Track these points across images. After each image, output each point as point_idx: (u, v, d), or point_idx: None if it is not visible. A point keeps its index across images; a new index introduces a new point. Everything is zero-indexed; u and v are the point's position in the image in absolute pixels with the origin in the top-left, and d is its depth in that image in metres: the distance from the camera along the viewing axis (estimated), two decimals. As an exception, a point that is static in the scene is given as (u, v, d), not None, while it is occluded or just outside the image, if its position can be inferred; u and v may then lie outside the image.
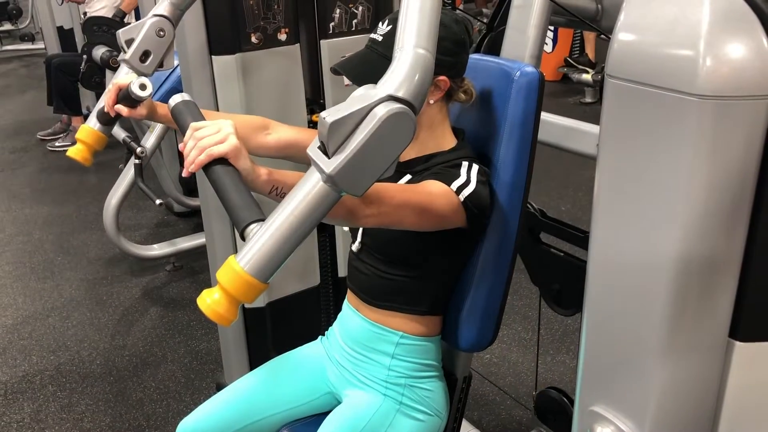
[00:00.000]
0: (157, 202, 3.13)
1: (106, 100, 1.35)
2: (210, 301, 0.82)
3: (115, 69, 3.55)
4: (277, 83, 1.81)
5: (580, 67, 5.73)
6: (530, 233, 1.64)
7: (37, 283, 3.37)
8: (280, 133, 1.45)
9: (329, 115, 0.77)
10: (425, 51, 0.81)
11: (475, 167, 1.30)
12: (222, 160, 0.95)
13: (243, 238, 0.86)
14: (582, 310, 0.95)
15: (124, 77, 1.35)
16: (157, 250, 3.40)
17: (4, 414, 2.46)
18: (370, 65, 1.29)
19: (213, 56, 1.75)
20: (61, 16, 5.51)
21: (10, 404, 2.51)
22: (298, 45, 1.84)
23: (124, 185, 3.21)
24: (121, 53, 1.44)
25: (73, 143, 1.53)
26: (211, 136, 0.97)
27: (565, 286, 1.53)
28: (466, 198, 1.24)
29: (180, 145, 1.02)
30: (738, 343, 0.84)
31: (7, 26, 9.21)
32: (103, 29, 3.72)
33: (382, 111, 0.77)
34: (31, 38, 8.65)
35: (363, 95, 0.79)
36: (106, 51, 3.57)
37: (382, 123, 0.76)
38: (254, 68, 1.76)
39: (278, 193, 1.00)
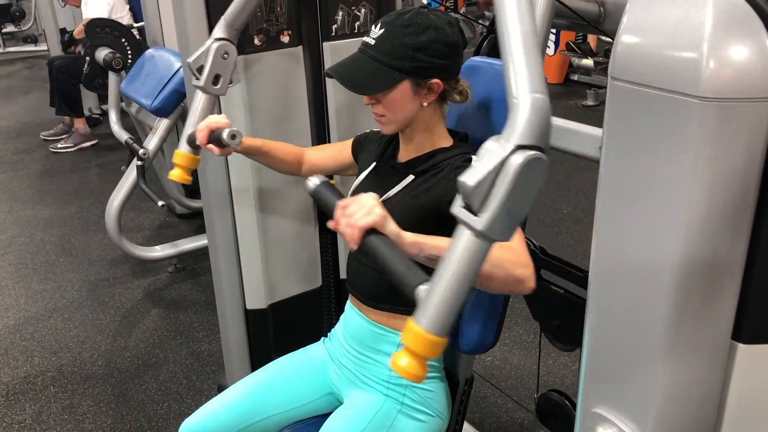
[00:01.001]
0: (159, 203, 3.13)
1: (198, 137, 1.50)
2: (405, 365, 0.89)
3: (117, 71, 3.56)
4: (279, 85, 1.82)
5: (581, 52, 5.76)
6: None
7: (39, 284, 3.37)
8: (311, 164, 1.65)
9: (469, 178, 0.81)
10: (540, 94, 0.83)
11: None
12: (373, 230, 1.05)
13: (414, 301, 0.94)
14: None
15: (216, 119, 1.50)
16: (159, 251, 3.41)
17: (6, 415, 2.46)
18: (362, 70, 1.29)
19: (216, 58, 1.75)
20: (64, 18, 5.53)
21: (11, 405, 2.51)
22: (300, 47, 1.84)
23: (126, 187, 3.21)
24: (194, 80, 1.60)
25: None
26: (359, 211, 1.05)
27: (565, 322, 1.55)
28: None
29: (330, 223, 1.11)
30: (741, 345, 0.84)
31: (11, 28, 9.23)
32: (106, 31, 3.72)
33: (516, 161, 0.80)
34: (34, 40, 8.67)
35: (493, 150, 0.82)
36: (108, 53, 3.58)
37: (519, 173, 0.79)
38: (257, 70, 1.77)
39: (421, 252, 1.09)
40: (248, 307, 1.99)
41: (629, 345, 0.88)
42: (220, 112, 1.79)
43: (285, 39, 1.80)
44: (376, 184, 1.43)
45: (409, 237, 1.09)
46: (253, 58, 1.76)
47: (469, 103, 1.39)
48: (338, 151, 1.63)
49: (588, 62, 5.77)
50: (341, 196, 1.14)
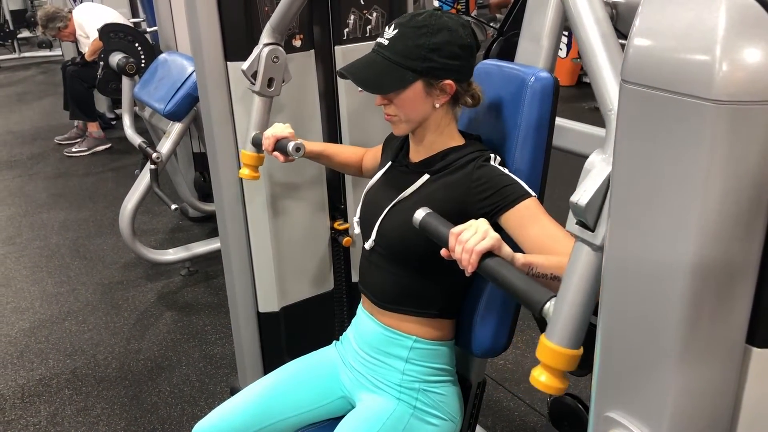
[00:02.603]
0: (173, 207, 3.15)
1: (265, 144, 1.63)
2: (545, 380, 0.94)
3: (131, 75, 3.59)
4: (292, 89, 1.83)
5: None
6: None
7: (53, 287, 3.40)
8: (364, 166, 1.71)
9: (580, 198, 0.85)
10: None
11: (498, 159, 1.34)
12: (488, 254, 1.07)
13: (543, 317, 0.96)
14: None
15: (281, 129, 1.63)
16: (172, 254, 3.42)
17: (21, 417, 2.48)
18: (376, 70, 1.30)
19: (228, 62, 1.76)
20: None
21: (27, 407, 2.53)
22: (312, 51, 1.85)
23: (139, 190, 3.23)
24: (250, 84, 1.71)
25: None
26: (473, 236, 1.07)
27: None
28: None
29: (443, 252, 1.13)
30: (755, 350, 0.83)
31: (26, 33, 9.34)
32: (120, 36, 3.75)
33: None
34: (49, 45, 8.76)
35: (598, 165, 0.85)
36: (122, 57, 3.61)
37: None
38: (269, 74, 1.78)
39: (532, 273, 1.11)
40: (261, 310, 2.00)
41: (642, 349, 0.87)
42: (232, 116, 1.80)
43: (297, 43, 1.81)
44: (390, 184, 1.43)
45: (521, 257, 1.11)
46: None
47: (480, 106, 1.39)
48: (377, 152, 1.64)
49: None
50: (449, 224, 1.15)
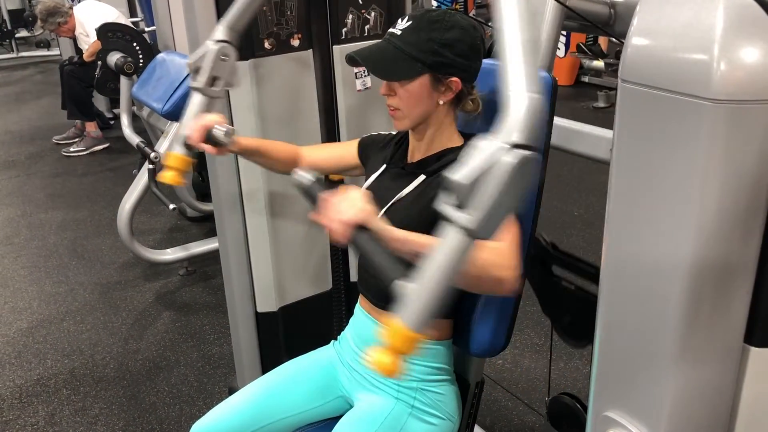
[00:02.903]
0: (171, 206, 3.15)
1: (193, 137, 1.46)
2: (379, 359, 0.90)
3: (129, 74, 3.58)
4: (289, 88, 1.82)
5: (592, 54, 5.75)
6: (542, 266, 1.63)
7: (51, 287, 3.40)
8: (310, 163, 1.62)
9: (460, 175, 0.81)
10: (535, 93, 0.83)
11: None
12: (359, 225, 1.06)
13: (392, 294, 0.94)
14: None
15: (211, 117, 1.48)
16: (171, 254, 3.42)
17: (19, 417, 2.47)
18: (387, 56, 1.31)
19: (226, 62, 1.76)
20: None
21: (25, 407, 2.53)
22: (310, 50, 1.85)
23: (137, 190, 3.23)
24: (191, 81, 1.56)
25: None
26: (346, 207, 1.06)
27: (576, 319, 1.53)
28: None
29: (314, 216, 1.12)
30: (753, 349, 0.83)
31: (23, 33, 9.33)
32: (118, 35, 3.75)
33: (508, 160, 0.80)
34: (47, 45, 8.76)
35: (485, 147, 0.82)
36: (120, 57, 3.60)
37: (511, 172, 0.79)
38: (267, 74, 1.77)
39: (407, 248, 1.09)
40: (259, 310, 2.00)
41: (641, 348, 0.87)
42: (230, 114, 1.80)
43: (295, 42, 1.81)
44: (386, 185, 1.43)
45: (397, 233, 1.10)
46: (264, 61, 1.77)
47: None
48: (343, 151, 1.62)
49: (599, 64, 5.76)
50: (326, 191, 1.14)
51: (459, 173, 0.81)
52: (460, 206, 0.83)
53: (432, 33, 1.28)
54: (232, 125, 1.78)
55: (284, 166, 1.61)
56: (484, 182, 0.81)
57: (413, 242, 1.11)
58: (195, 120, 1.48)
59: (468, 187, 0.81)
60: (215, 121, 1.46)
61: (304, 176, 1.19)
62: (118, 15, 4.69)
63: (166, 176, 1.53)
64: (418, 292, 0.88)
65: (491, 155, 0.80)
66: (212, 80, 1.55)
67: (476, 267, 1.07)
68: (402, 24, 1.32)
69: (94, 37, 4.50)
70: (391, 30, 1.33)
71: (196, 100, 1.56)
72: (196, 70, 1.54)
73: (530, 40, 0.87)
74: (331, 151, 1.67)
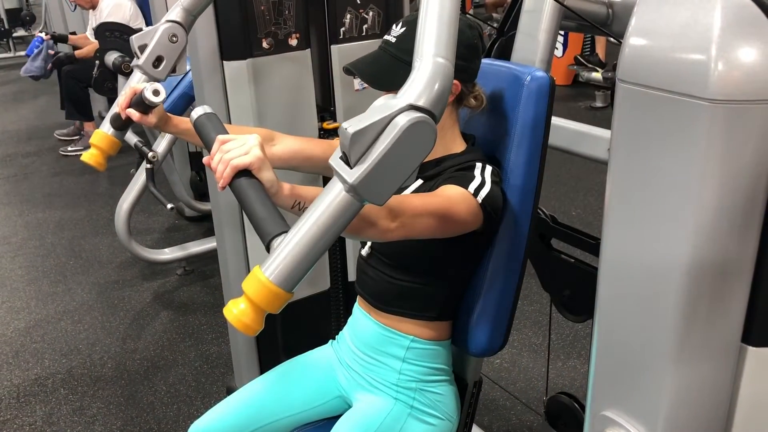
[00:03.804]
0: (169, 206, 3.13)
1: (119, 104, 1.37)
2: (237, 312, 0.84)
3: (127, 74, 3.57)
4: (288, 88, 1.82)
5: (590, 66, 5.74)
6: (541, 239, 1.63)
7: (49, 286, 3.39)
8: (285, 144, 1.47)
9: (351, 126, 0.78)
10: (445, 60, 0.81)
11: (489, 168, 1.30)
12: (246, 173, 0.97)
13: (268, 250, 0.87)
14: (593, 315, 0.95)
15: (139, 83, 1.37)
16: (168, 254, 3.42)
17: (17, 417, 2.47)
18: (383, 66, 1.30)
19: (224, 61, 1.76)
20: (74, 22, 5.56)
21: (22, 407, 2.52)
22: (308, 50, 1.85)
23: (135, 190, 3.23)
24: (134, 59, 1.48)
25: (86, 148, 1.55)
26: (236, 149, 0.99)
27: (576, 292, 1.52)
28: (484, 199, 1.25)
29: (205, 159, 1.04)
30: (751, 348, 0.84)
31: (21, 32, 9.30)
32: (115, 35, 3.74)
33: (403, 120, 0.77)
34: (45, 44, 8.72)
35: (384, 105, 0.79)
36: (118, 56, 3.59)
37: (404, 132, 0.77)
38: (265, 73, 1.77)
39: (300, 207, 1.01)
40: (257, 309, 2.00)
41: (638, 348, 0.88)
42: (228, 114, 1.80)
43: (293, 42, 1.81)
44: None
45: (287, 189, 1.02)
46: (262, 61, 1.77)
47: (477, 105, 1.39)
48: (328, 151, 1.59)
49: (597, 76, 5.71)
50: (222, 131, 1.07)
51: (350, 123, 0.78)
52: (347, 161, 0.80)
53: None
54: (230, 124, 1.77)
55: (319, 165, 1.50)
56: (376, 139, 0.78)
57: (307, 198, 1.02)
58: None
59: (355, 138, 0.77)
60: (143, 85, 1.33)
61: (201, 112, 1.10)
62: (137, 13, 4.62)
63: (87, 155, 1.46)
64: (293, 246, 0.83)
65: (387, 112, 0.78)
66: (156, 60, 1.49)
67: (361, 220, 0.99)
68: (396, 30, 1.31)
69: (104, 17, 4.44)
70: (386, 37, 1.33)
71: (135, 79, 1.49)
72: (141, 48, 1.48)
73: (451, 7, 0.85)
74: (313, 146, 1.51)
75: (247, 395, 1.51)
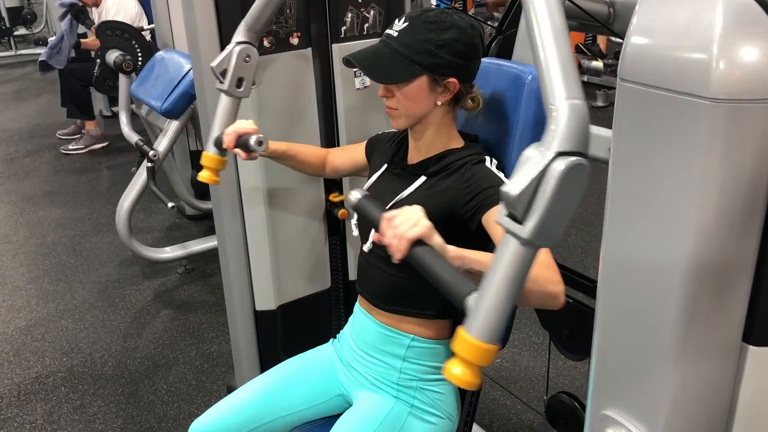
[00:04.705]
0: (169, 205, 3.15)
1: (225, 141, 1.53)
2: (458, 373, 0.90)
3: (127, 73, 3.57)
4: (289, 87, 1.82)
5: (590, 55, 5.75)
6: None
7: (50, 285, 3.39)
8: (333, 167, 1.70)
9: (511, 188, 0.82)
10: (578, 100, 0.83)
11: (495, 162, 1.33)
12: (418, 242, 1.04)
13: (463, 310, 0.94)
14: (594, 319, 0.96)
15: (243, 124, 1.53)
16: (169, 252, 3.42)
17: (18, 415, 2.47)
18: (383, 59, 1.30)
19: (225, 60, 1.76)
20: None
21: (23, 405, 2.53)
22: (310, 49, 1.84)
23: (136, 188, 3.23)
24: (218, 83, 1.61)
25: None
26: (405, 222, 1.05)
27: (574, 332, 1.54)
28: None
29: (375, 236, 1.12)
30: (752, 348, 0.84)
31: (22, 30, 9.30)
32: (117, 33, 3.74)
33: (559, 168, 0.80)
34: (46, 43, 8.71)
35: (534, 157, 0.82)
36: (119, 55, 3.59)
37: (562, 180, 0.80)
38: (266, 72, 1.77)
39: (463, 265, 1.08)
40: (257, 308, 2.00)
41: (639, 347, 0.88)
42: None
43: (294, 41, 1.81)
44: (387, 186, 1.43)
45: (453, 250, 1.09)
46: (263, 60, 1.76)
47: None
48: (354, 152, 1.65)
49: (598, 64, 5.75)
50: (384, 208, 1.14)
51: (510, 186, 0.82)
52: (515, 218, 0.84)
53: (428, 34, 1.27)
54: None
55: (313, 168, 1.69)
56: (537, 192, 0.81)
57: (471, 259, 1.09)
58: (229, 124, 1.56)
59: (519, 198, 0.82)
60: (247, 131, 1.51)
61: (357, 196, 1.19)
62: (141, 13, 4.61)
63: (202, 176, 1.63)
64: (486, 304, 0.88)
65: (540, 165, 0.81)
66: (238, 81, 1.61)
67: (532, 283, 1.06)
68: (398, 25, 1.31)
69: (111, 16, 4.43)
70: (387, 31, 1.33)
71: (223, 102, 1.63)
72: (222, 73, 1.60)
73: (566, 48, 0.88)
74: (348, 152, 1.69)
75: (247, 394, 1.51)
